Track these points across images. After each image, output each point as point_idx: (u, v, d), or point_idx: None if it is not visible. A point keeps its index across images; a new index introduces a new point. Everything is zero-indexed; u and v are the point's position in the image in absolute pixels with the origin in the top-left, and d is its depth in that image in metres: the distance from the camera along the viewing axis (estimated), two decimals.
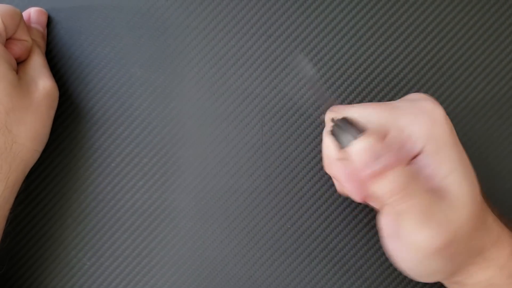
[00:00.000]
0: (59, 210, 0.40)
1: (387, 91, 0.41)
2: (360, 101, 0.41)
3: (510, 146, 0.40)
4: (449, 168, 0.28)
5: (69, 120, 0.40)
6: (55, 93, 0.38)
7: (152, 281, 0.40)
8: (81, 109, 0.41)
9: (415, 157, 0.29)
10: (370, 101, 0.41)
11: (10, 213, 0.36)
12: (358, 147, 0.26)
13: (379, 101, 0.41)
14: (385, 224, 0.30)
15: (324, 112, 0.27)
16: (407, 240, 0.28)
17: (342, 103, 0.41)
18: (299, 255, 0.40)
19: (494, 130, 0.40)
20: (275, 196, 0.40)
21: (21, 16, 0.37)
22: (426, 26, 0.41)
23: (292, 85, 0.41)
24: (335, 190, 0.40)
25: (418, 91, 0.41)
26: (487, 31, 0.41)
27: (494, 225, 0.31)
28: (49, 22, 0.41)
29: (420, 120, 0.29)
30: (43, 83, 0.37)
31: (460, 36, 0.41)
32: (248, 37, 0.41)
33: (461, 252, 0.29)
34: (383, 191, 0.27)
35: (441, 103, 0.40)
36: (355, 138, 0.26)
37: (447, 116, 0.30)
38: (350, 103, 0.41)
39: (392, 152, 0.26)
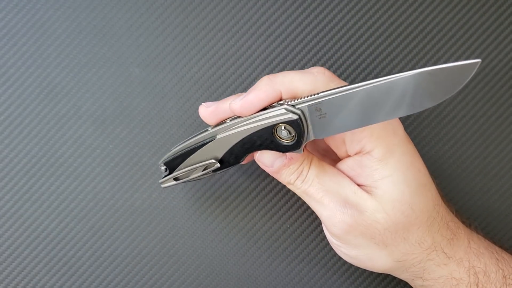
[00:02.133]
0: (57, 209, 0.40)
1: None
2: None
3: (510, 146, 0.40)
4: (386, 173, 0.31)
5: (68, 120, 0.40)
6: None
7: (151, 280, 0.40)
8: (80, 108, 0.40)
9: (364, 153, 0.31)
10: None
11: None
12: (259, 156, 0.33)
13: None
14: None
15: None
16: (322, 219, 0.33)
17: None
18: (298, 254, 0.40)
19: (494, 130, 0.41)
20: (274, 196, 0.40)
21: None
22: (426, 25, 0.41)
23: None
24: None
25: None
26: (486, 31, 0.41)
27: (451, 224, 0.33)
28: (49, 21, 0.41)
29: (381, 127, 0.31)
30: None
31: (459, 36, 0.41)
32: (248, 37, 0.41)
33: (388, 242, 0.32)
34: (286, 181, 0.33)
35: (440, 103, 0.41)
36: None
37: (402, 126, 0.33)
38: None
39: (285, 156, 0.32)
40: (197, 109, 0.40)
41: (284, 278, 0.40)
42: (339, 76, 0.41)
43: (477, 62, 0.25)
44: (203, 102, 0.41)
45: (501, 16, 0.41)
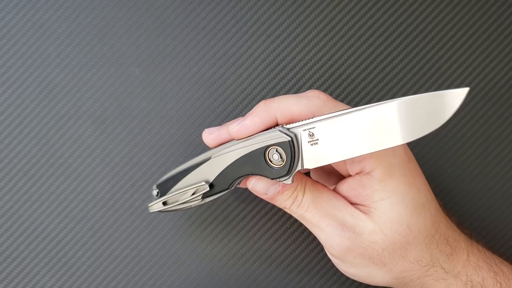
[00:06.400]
0: (57, 209, 0.40)
1: (386, 90, 0.41)
2: (359, 101, 0.41)
3: (510, 146, 0.40)
4: (385, 195, 0.31)
5: (68, 120, 0.40)
6: None
7: (151, 281, 0.40)
8: (80, 108, 0.40)
9: (365, 173, 0.31)
10: (370, 100, 0.41)
11: None
12: (253, 185, 0.33)
13: (378, 100, 0.41)
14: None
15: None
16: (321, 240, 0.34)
17: (341, 102, 0.41)
18: (298, 255, 0.40)
19: (494, 130, 0.41)
20: None
21: None
22: (426, 26, 0.41)
23: (291, 85, 0.41)
24: None
25: (417, 91, 0.41)
26: (486, 31, 0.41)
27: (451, 239, 0.33)
28: (49, 21, 0.41)
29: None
30: None
31: (460, 36, 0.41)
32: (248, 37, 0.41)
33: (386, 261, 0.32)
34: (282, 206, 0.33)
35: None
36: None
37: (406, 146, 0.33)
38: (349, 102, 0.41)
39: (277, 184, 0.32)
40: (197, 109, 0.41)
41: (284, 279, 0.40)
42: (340, 75, 0.41)
43: (465, 90, 0.25)
44: (203, 102, 0.41)
45: (501, 16, 0.41)
